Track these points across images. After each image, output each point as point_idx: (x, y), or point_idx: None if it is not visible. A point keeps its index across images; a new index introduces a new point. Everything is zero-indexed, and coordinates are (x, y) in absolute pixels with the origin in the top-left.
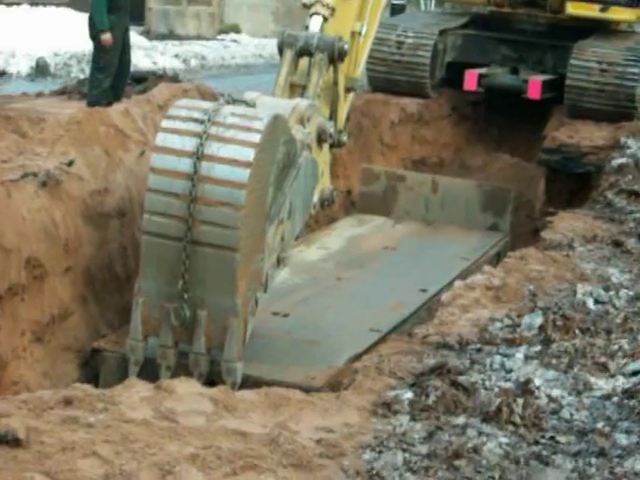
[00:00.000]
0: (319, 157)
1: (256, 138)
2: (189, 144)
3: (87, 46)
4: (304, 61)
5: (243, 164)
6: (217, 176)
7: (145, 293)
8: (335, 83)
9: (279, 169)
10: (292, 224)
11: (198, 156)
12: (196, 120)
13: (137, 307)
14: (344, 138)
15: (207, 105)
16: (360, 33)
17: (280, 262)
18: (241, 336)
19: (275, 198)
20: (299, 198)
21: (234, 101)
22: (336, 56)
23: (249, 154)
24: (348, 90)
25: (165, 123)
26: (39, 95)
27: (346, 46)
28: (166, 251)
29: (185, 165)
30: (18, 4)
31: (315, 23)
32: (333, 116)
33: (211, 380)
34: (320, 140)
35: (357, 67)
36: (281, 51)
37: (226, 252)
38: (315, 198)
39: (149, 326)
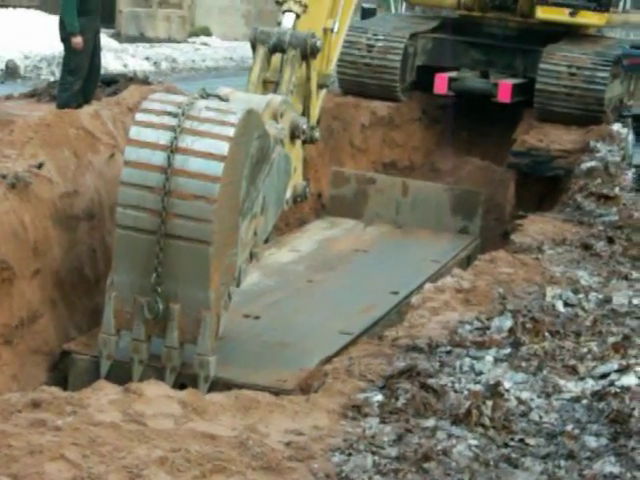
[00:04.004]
0: (292, 153)
1: (230, 132)
2: (163, 137)
3: (57, 49)
4: (277, 57)
5: (217, 157)
6: (191, 169)
7: (118, 287)
8: (308, 79)
9: (252, 164)
10: (265, 219)
11: (172, 149)
12: (170, 114)
13: (110, 301)
14: (317, 134)
15: (181, 99)
16: (332, 30)
17: (253, 257)
18: (214, 329)
19: (248, 192)
20: (272, 193)
21: (208, 95)
22: (309, 52)
23: (223, 147)
24: (321, 86)
25: (139, 116)
26: (9, 97)
27: (318, 43)
28: (139, 244)
29: (159, 158)
30: None
31: (288, 20)
32: (306, 112)
33: (181, 383)
34: (293, 136)
35: (329, 64)
36: (254, 47)
37: (199, 245)
38: (288, 194)
39: (122, 320)
